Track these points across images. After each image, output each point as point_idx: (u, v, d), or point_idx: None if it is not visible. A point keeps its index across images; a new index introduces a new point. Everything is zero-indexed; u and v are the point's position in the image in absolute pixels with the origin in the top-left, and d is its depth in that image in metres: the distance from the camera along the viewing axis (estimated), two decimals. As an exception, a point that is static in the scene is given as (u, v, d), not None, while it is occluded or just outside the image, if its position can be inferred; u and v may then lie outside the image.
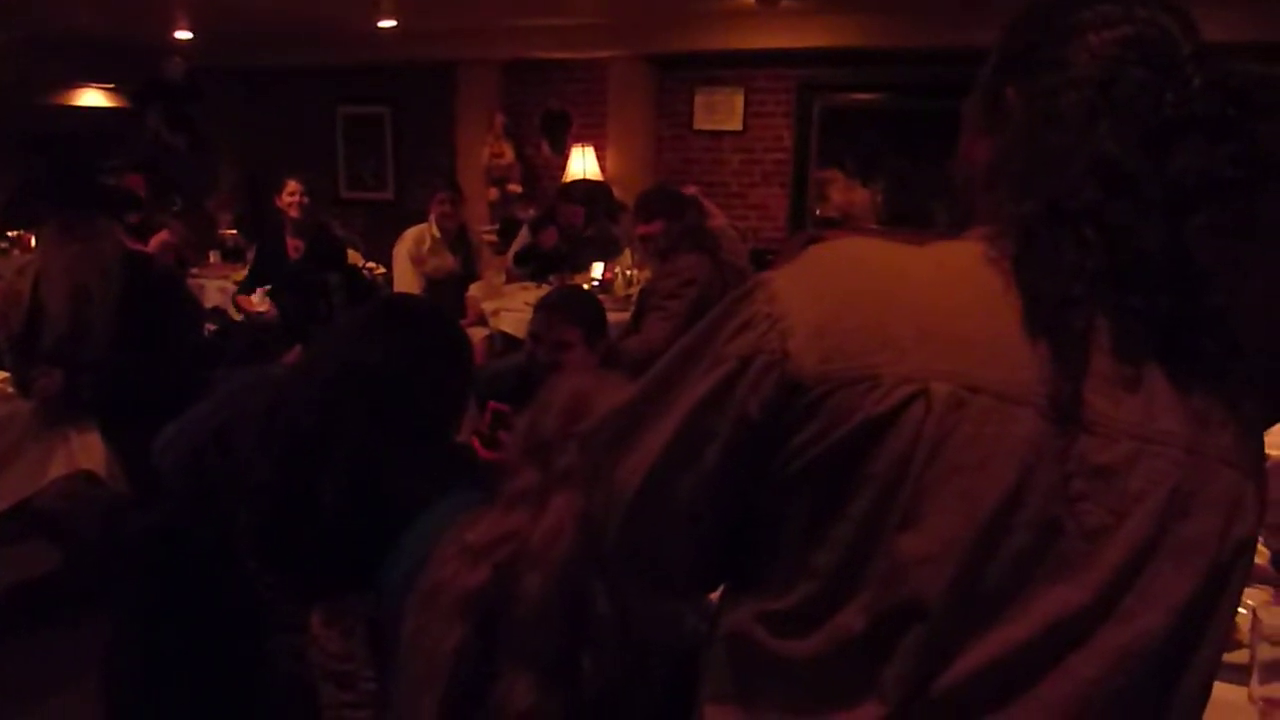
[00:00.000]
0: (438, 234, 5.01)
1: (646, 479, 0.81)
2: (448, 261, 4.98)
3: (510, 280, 5.43)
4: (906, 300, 0.74)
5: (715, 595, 0.91)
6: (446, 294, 4.83)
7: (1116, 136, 0.72)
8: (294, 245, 4.77)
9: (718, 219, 5.04)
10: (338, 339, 1.89)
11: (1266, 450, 0.78)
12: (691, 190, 5.74)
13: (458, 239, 5.06)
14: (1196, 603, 0.72)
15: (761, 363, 0.74)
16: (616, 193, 6.48)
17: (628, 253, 5.25)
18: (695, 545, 0.85)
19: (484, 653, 1.11)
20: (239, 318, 4.59)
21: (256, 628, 1.66)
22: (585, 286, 4.74)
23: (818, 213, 6.68)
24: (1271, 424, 0.84)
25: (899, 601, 0.71)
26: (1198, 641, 0.74)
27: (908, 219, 6.14)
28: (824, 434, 0.72)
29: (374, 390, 1.70)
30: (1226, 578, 0.74)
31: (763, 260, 4.85)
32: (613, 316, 3.90)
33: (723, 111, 6.95)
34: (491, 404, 2.42)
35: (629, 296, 4.61)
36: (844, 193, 6.66)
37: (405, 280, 4.97)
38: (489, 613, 1.12)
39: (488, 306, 4.72)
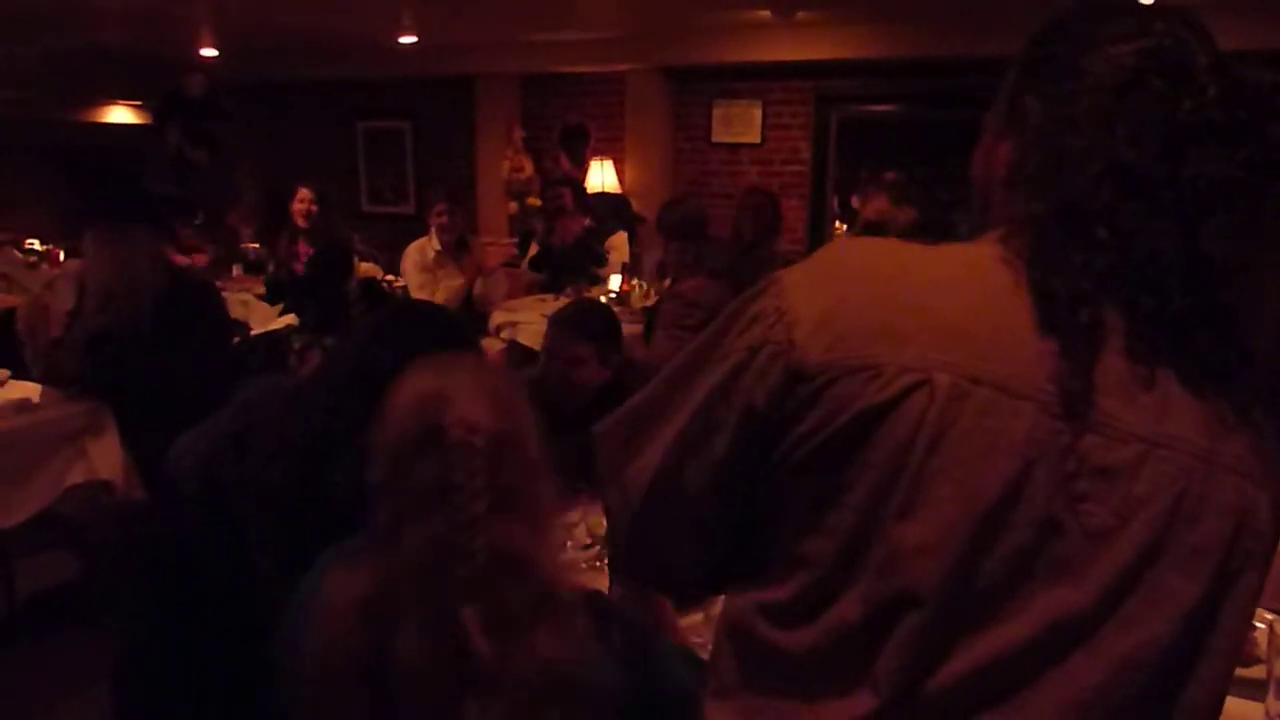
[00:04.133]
0: (438, 246, 5.03)
1: (658, 471, 0.84)
2: (456, 279, 4.99)
3: (529, 289, 5.47)
4: (912, 294, 0.75)
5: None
6: (465, 318, 4.86)
7: (1132, 141, 0.73)
8: (305, 253, 4.85)
9: None
10: (352, 344, 1.90)
11: None
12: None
13: (459, 250, 5.07)
14: (1201, 611, 0.71)
15: (768, 352, 0.76)
16: (635, 205, 6.51)
17: (614, 262, 5.29)
18: (703, 538, 0.86)
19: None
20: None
21: (267, 633, 1.67)
22: (601, 298, 4.75)
23: (863, 215, 6.65)
24: None
25: (894, 591, 0.71)
26: (1202, 652, 0.72)
27: (929, 230, 6.13)
28: (826, 422, 0.73)
29: (387, 393, 1.71)
30: (1233, 588, 0.72)
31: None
32: (629, 329, 3.91)
33: (740, 124, 6.96)
34: None
35: (646, 308, 4.61)
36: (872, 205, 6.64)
37: (417, 291, 5.01)
38: (376, 673, 1.07)
39: (503, 319, 4.74)
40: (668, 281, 4.84)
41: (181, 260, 3.92)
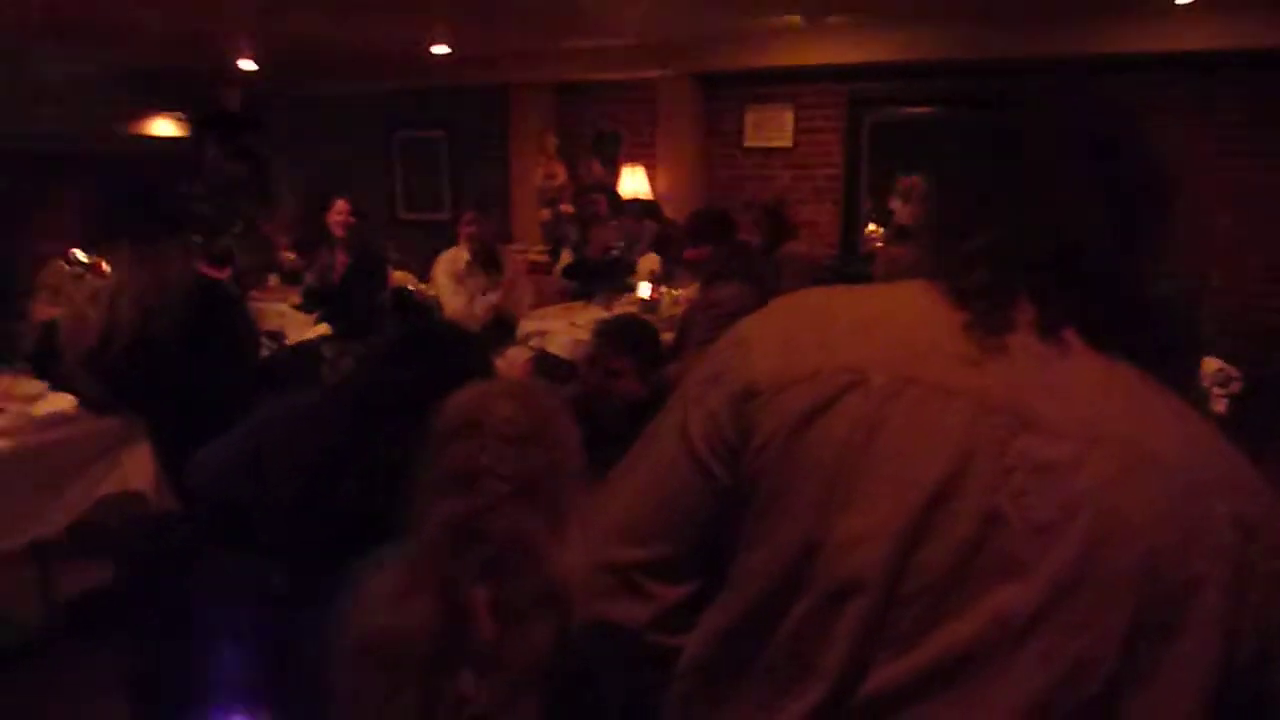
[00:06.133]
0: (468, 255, 5.07)
1: (628, 511, 0.88)
2: (489, 292, 5.01)
3: (560, 296, 5.51)
4: (851, 317, 0.83)
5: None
6: (494, 327, 4.91)
7: (1047, 146, 0.83)
8: (342, 263, 4.92)
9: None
10: (369, 364, 1.94)
11: None
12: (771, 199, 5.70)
13: (489, 259, 5.10)
14: (1154, 617, 0.70)
15: (726, 377, 0.83)
16: (667, 211, 6.52)
17: (644, 268, 5.31)
18: (668, 583, 0.87)
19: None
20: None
21: (279, 645, 1.71)
22: (631, 308, 4.77)
23: (895, 220, 6.60)
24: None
25: (839, 580, 0.74)
26: (1164, 660, 0.70)
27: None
28: (777, 430, 0.78)
29: (401, 412, 1.74)
30: (1193, 597, 0.70)
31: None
32: (661, 336, 3.92)
33: (772, 128, 6.94)
34: None
35: (675, 317, 4.61)
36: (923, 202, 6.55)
37: (450, 299, 5.04)
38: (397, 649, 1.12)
39: (532, 327, 4.77)
40: (681, 290, 4.87)
41: (213, 274, 4.00)
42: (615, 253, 5.44)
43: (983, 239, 0.79)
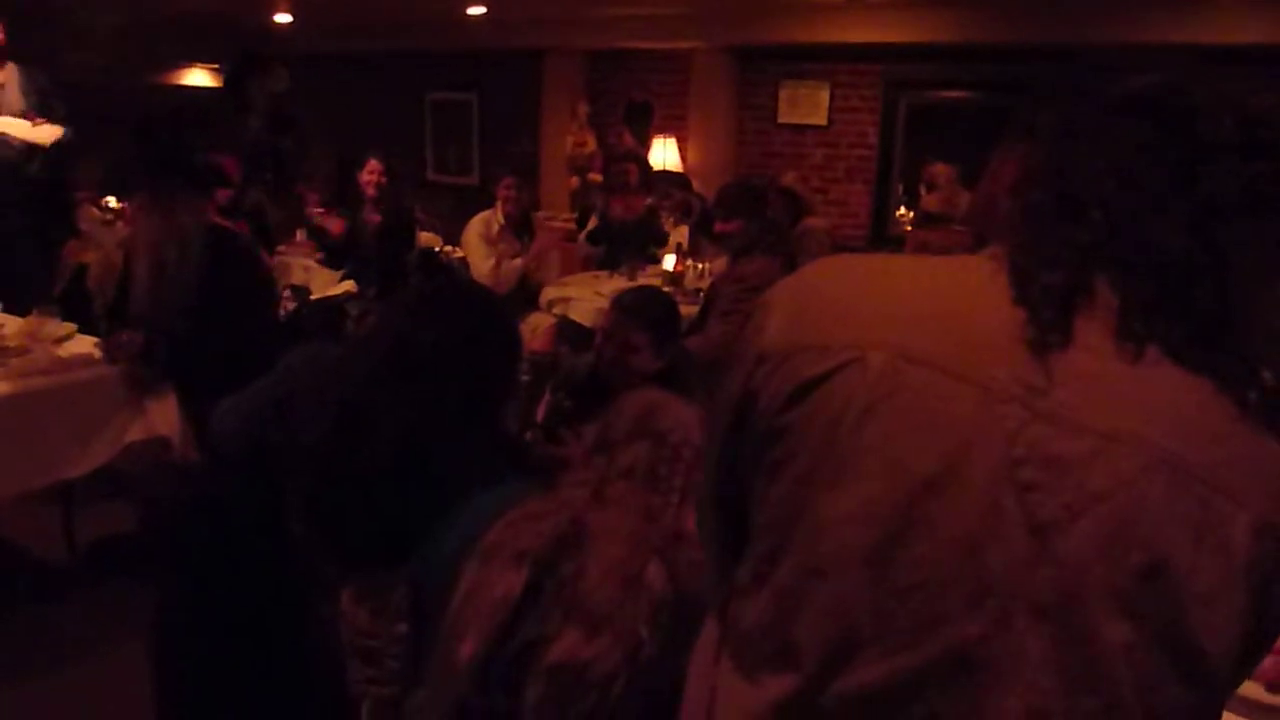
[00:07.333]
0: (501, 220, 5.09)
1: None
2: (518, 259, 5.04)
3: (585, 263, 5.50)
4: (874, 288, 0.79)
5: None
6: (517, 293, 4.94)
7: (1139, 154, 0.74)
8: (372, 222, 4.94)
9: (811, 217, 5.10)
10: (394, 316, 1.94)
11: None
12: (790, 179, 5.72)
13: (522, 225, 5.12)
14: (1163, 621, 0.66)
15: (747, 341, 0.83)
16: (696, 185, 6.48)
17: (672, 242, 5.29)
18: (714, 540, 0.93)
19: (533, 604, 1.15)
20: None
21: (299, 595, 1.72)
22: (656, 279, 4.75)
23: (921, 206, 6.52)
24: None
25: (817, 559, 0.73)
26: (1179, 675, 0.67)
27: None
28: (776, 396, 0.77)
29: (423, 367, 1.74)
30: (1206, 609, 0.67)
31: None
32: (682, 309, 3.89)
33: (807, 105, 6.87)
34: (550, 398, 2.45)
35: (699, 290, 4.59)
36: (950, 190, 6.51)
37: (479, 262, 5.05)
38: (543, 568, 1.17)
39: (555, 294, 4.77)
40: (707, 263, 4.85)
41: (225, 223, 4.02)
42: (665, 217, 5.44)
43: (1082, 233, 0.72)
